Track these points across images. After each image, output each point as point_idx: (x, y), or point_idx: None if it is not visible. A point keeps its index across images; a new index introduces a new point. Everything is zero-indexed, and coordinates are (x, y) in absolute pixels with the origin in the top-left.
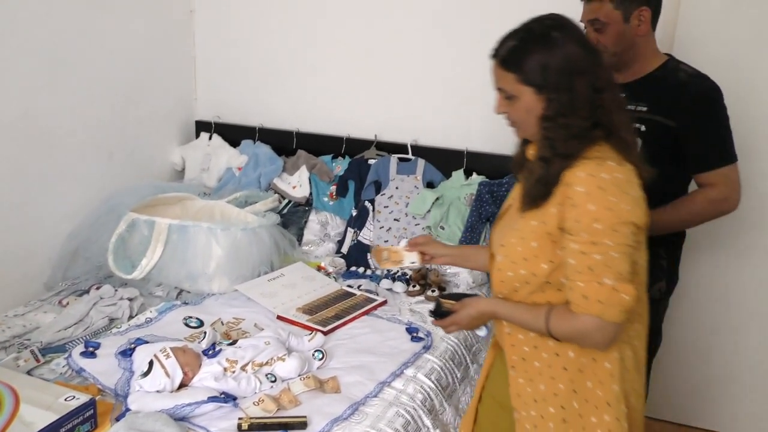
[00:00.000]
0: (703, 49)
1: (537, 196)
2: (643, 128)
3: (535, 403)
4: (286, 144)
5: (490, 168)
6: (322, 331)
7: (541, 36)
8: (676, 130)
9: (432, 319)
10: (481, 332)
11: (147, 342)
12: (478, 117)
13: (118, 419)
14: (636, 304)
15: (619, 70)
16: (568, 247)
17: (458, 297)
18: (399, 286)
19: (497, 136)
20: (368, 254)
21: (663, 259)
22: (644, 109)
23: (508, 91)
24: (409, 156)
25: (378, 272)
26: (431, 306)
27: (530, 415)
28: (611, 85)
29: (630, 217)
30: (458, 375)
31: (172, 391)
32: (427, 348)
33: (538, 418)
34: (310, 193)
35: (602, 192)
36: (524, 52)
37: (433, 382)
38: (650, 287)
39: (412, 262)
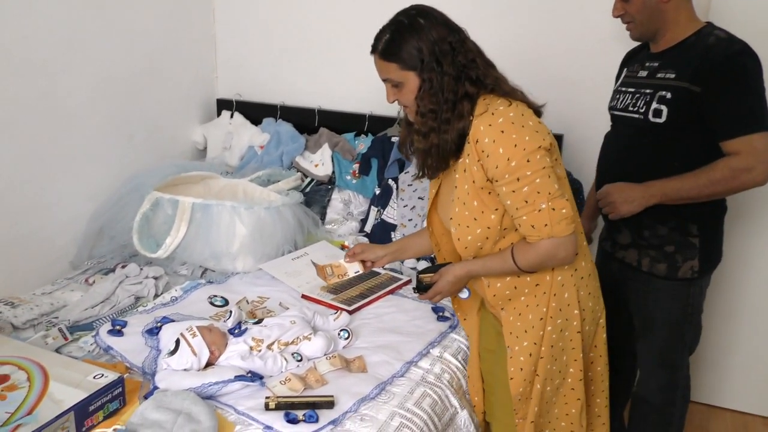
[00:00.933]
0: (739, 18)
1: (433, 167)
2: (668, 95)
3: (526, 333)
4: (308, 122)
5: None
6: (347, 311)
7: (410, 25)
8: (702, 96)
9: (417, 294)
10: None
11: (173, 320)
12: None
13: (146, 397)
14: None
15: (653, 39)
16: (501, 193)
17: (435, 269)
18: (424, 266)
19: None
20: (316, 273)
21: (694, 236)
22: (672, 76)
23: (394, 80)
24: None
25: None
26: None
27: (524, 347)
28: (480, 54)
29: (535, 144)
30: None
31: (199, 370)
32: (453, 327)
33: (531, 345)
34: (333, 172)
35: (504, 134)
36: (399, 41)
37: (459, 362)
38: (680, 266)
39: (356, 272)
